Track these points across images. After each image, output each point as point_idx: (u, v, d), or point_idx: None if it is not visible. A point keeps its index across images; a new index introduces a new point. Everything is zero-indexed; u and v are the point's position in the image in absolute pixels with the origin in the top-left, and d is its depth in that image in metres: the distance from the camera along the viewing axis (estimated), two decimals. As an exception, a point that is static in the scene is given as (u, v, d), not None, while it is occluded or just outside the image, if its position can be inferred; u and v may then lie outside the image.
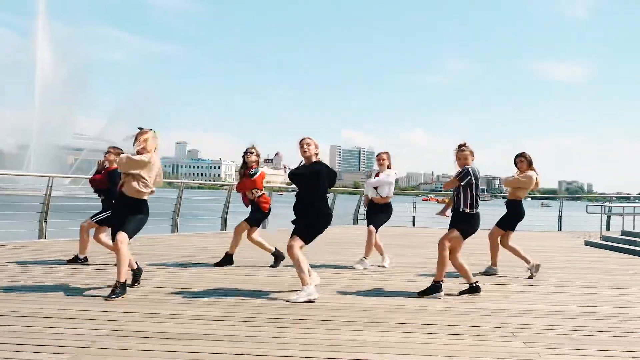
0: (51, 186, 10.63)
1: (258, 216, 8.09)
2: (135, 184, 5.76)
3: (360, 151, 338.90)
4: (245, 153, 8.07)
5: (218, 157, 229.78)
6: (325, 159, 6.58)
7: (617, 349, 4.27)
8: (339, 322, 4.89)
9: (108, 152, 7.37)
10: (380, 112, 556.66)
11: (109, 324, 4.55)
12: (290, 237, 5.92)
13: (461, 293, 6.29)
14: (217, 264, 7.92)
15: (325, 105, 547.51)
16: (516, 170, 8.08)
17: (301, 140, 6.21)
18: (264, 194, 8.15)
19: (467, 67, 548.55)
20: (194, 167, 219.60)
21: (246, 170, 8.03)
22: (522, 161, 8.01)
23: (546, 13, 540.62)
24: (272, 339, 4.28)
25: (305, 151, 6.14)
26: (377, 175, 8.48)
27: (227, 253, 8.02)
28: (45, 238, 10.52)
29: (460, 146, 6.43)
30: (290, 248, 5.83)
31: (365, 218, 8.87)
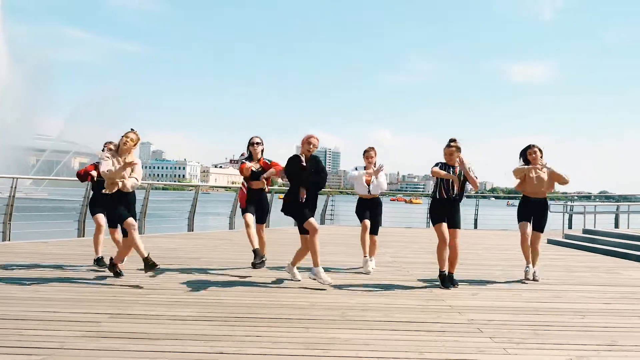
0: (15, 187, 10.48)
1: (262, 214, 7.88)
2: (134, 181, 6.66)
3: (326, 151, 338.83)
4: (253, 144, 7.76)
5: (183, 158, 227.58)
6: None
7: (579, 343, 4.42)
8: (311, 320, 4.97)
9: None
10: (347, 112, 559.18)
11: (82, 325, 4.53)
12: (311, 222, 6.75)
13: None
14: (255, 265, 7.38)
15: (292, 106, 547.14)
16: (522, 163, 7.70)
17: (310, 138, 6.92)
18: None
19: (434, 68, 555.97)
20: (158, 167, 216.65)
21: (261, 161, 7.72)
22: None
23: (512, 15, 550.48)
24: (246, 337, 4.33)
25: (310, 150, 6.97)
26: (367, 171, 8.15)
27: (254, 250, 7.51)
28: (9, 240, 10.35)
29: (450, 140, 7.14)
30: (317, 232, 6.76)
31: (357, 215, 8.32)
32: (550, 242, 13.90)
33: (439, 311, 5.52)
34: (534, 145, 7.62)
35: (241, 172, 7.65)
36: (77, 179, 7.88)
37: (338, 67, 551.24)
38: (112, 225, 7.43)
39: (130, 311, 5.11)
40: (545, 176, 7.49)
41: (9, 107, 69.06)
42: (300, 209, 6.84)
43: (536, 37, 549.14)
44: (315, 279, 6.73)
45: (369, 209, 8.18)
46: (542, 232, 7.70)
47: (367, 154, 8.26)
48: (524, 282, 7.35)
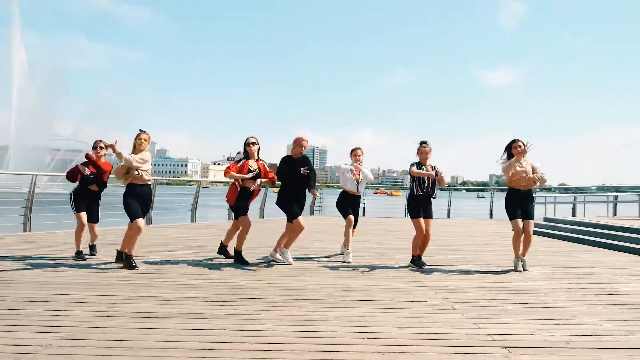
0: (34, 183, 10.41)
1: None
2: (132, 157, 6.47)
3: (314, 149, 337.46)
4: (249, 144, 7.17)
5: (185, 156, 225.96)
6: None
7: (542, 318, 4.50)
8: (304, 300, 5.01)
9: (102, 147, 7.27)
10: (333, 114, 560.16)
11: (98, 306, 4.54)
12: (299, 221, 7.09)
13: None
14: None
15: (283, 107, 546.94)
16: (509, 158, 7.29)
17: (302, 141, 7.20)
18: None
19: (415, 73, 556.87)
20: (162, 165, 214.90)
21: (257, 161, 7.18)
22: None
23: (484, 25, 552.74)
24: (246, 315, 4.36)
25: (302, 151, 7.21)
26: (354, 170, 7.81)
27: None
28: (30, 231, 10.29)
29: (422, 142, 7.28)
30: (302, 230, 7.16)
31: (340, 209, 7.94)
32: (515, 229, 14.02)
33: (417, 291, 5.57)
34: (517, 140, 7.24)
35: (227, 173, 7.08)
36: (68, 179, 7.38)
37: (327, 72, 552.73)
38: (91, 219, 7.30)
39: (141, 293, 5.11)
40: (529, 168, 7.12)
41: (28, 112, 68.47)
42: (290, 205, 7.10)
43: (501, 45, 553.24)
44: (281, 259, 7.19)
45: (352, 206, 7.92)
46: (533, 219, 7.29)
47: (355, 152, 7.97)
48: (500, 269, 7.25)
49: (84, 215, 7.20)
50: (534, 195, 7.58)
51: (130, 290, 5.24)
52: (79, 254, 7.07)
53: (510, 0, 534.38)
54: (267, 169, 7.21)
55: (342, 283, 5.91)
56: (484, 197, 19.47)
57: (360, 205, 8.39)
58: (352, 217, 7.77)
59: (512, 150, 7.21)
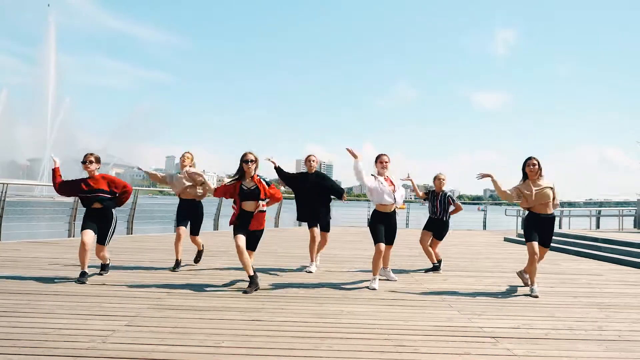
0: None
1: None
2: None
3: (320, 164, 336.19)
4: (247, 162, 5.73)
5: (202, 170, 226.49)
6: (292, 170, 7.54)
7: (525, 315, 4.87)
8: (322, 297, 5.40)
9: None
10: (339, 130, 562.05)
11: (147, 300, 4.97)
12: (312, 231, 7.15)
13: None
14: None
15: (292, 124, 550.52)
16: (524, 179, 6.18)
17: (310, 157, 7.28)
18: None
19: (414, 94, 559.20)
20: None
21: (255, 178, 5.80)
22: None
23: (476, 50, 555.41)
24: (275, 309, 4.76)
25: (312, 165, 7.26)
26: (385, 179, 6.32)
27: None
28: (74, 236, 10.73)
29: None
30: (314, 240, 7.15)
31: (373, 232, 6.31)
32: (506, 239, 14.30)
33: (418, 292, 5.93)
34: (532, 158, 6.09)
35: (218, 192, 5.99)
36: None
37: (333, 90, 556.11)
38: (98, 240, 6.14)
39: (182, 290, 5.53)
40: (549, 191, 6.03)
41: (57, 127, 69.56)
42: (306, 217, 7.32)
43: (492, 70, 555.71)
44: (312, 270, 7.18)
45: (387, 225, 6.33)
46: (548, 248, 6.30)
47: (380, 158, 6.40)
48: (492, 275, 7.66)
49: (84, 234, 5.94)
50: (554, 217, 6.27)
51: (172, 287, 5.66)
52: (81, 275, 5.87)
53: (501, 29, 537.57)
54: (267, 187, 5.83)
55: (353, 284, 6.28)
56: (484, 211, 19.67)
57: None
58: (382, 246, 6.19)
59: (526, 168, 6.12)
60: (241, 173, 5.77)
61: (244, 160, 5.73)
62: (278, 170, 7.29)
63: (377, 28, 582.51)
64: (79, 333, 3.75)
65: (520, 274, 6.56)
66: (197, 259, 7.61)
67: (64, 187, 6.09)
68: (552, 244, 11.51)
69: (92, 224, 6.01)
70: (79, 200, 6.36)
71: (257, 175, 5.83)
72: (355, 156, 6.15)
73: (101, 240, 6.11)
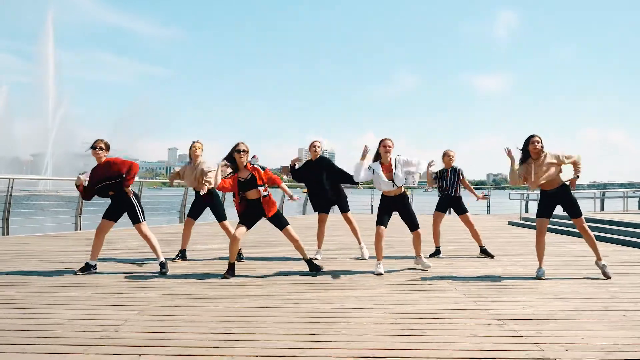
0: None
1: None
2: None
3: (323, 152, 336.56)
4: (239, 152, 5.81)
5: (217, 162, 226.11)
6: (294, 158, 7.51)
7: (530, 297, 4.90)
8: (329, 284, 5.45)
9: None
10: (340, 119, 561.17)
11: (158, 290, 5.03)
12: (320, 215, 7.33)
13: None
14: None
15: (294, 115, 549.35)
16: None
17: (314, 143, 7.18)
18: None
19: (416, 80, 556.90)
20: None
21: (248, 166, 5.87)
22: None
23: (477, 34, 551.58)
24: (283, 296, 4.81)
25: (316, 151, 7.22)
26: (386, 164, 6.18)
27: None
28: (80, 229, 10.81)
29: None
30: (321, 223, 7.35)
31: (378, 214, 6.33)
32: (510, 223, 14.33)
33: (425, 276, 5.98)
34: (535, 135, 5.89)
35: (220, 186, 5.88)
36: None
37: (334, 81, 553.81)
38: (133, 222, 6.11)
39: (192, 279, 5.60)
40: (552, 169, 5.81)
41: (58, 122, 69.78)
42: (314, 203, 7.44)
43: (495, 54, 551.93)
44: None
45: (396, 208, 6.28)
46: (579, 216, 5.96)
47: (384, 142, 6.19)
48: (497, 258, 7.58)
49: (101, 222, 6.07)
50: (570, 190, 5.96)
51: (182, 277, 5.73)
52: (86, 266, 5.93)
53: (503, 11, 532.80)
54: (262, 172, 5.88)
55: (359, 270, 6.33)
56: (488, 196, 19.68)
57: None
58: (383, 228, 6.18)
59: (530, 146, 5.87)
60: (234, 164, 5.83)
61: (236, 149, 5.80)
62: (292, 169, 7.36)
63: (376, 17, 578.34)
64: (92, 323, 3.81)
65: (597, 263, 6.16)
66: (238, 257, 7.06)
67: (90, 195, 6.08)
68: (557, 227, 11.64)
69: (113, 213, 6.03)
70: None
71: (250, 164, 5.88)
72: (363, 157, 6.29)
73: (135, 220, 6.04)
